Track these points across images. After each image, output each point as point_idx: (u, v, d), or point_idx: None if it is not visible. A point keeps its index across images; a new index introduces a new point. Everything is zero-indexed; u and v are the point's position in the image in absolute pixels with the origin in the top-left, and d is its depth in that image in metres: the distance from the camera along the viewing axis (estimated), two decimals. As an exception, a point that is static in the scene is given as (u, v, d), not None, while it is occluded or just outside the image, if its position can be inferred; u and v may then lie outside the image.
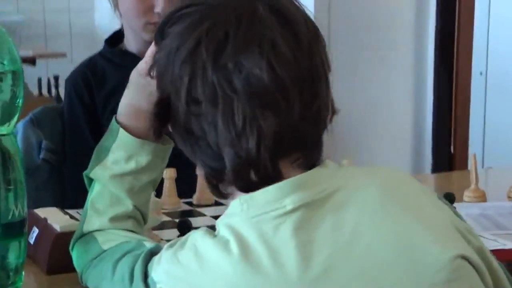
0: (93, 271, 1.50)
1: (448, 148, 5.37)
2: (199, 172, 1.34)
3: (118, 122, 1.52)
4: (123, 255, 1.43)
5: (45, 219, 1.76)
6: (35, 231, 1.73)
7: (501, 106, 4.42)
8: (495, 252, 1.72)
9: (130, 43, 2.52)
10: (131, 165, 1.49)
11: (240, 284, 1.17)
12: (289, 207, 1.21)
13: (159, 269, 1.28)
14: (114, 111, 2.41)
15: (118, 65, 2.52)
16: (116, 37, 2.61)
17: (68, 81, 2.59)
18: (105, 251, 1.48)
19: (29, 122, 2.54)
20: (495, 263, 1.32)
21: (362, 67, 5.12)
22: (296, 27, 1.25)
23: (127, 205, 1.51)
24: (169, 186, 2.12)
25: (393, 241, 1.22)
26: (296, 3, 1.30)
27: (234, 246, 1.18)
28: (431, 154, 5.39)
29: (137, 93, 1.51)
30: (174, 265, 1.25)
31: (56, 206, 2.46)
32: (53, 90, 4.78)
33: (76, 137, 2.53)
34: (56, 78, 4.83)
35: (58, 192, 2.55)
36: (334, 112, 1.30)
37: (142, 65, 1.48)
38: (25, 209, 1.55)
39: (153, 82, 1.38)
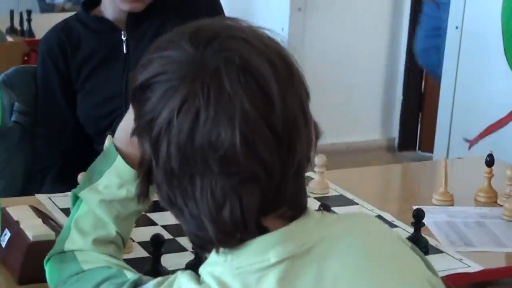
0: None
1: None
2: None
3: (116, 148, 1.51)
4: (104, 281, 1.44)
5: (17, 223, 1.74)
6: (7, 234, 1.72)
7: (475, 61, 4.32)
8: (459, 275, 1.78)
9: (107, 10, 2.50)
10: (122, 192, 1.50)
11: None
12: (273, 260, 1.22)
13: None
14: (87, 77, 2.43)
15: (94, 31, 2.50)
16: (93, 1, 2.56)
17: (42, 44, 2.56)
18: (84, 271, 1.49)
19: (1, 83, 2.52)
20: None
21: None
22: (266, 87, 1.20)
23: (111, 231, 1.51)
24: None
25: None
26: (263, 45, 1.25)
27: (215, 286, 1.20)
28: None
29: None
30: None
31: (27, 170, 2.50)
32: (25, 24, 4.67)
33: (49, 102, 2.52)
34: (29, 12, 4.72)
35: (29, 154, 2.54)
36: (318, 136, 1.30)
37: None
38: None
39: None
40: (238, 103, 1.17)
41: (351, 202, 2.24)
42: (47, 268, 1.56)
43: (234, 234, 1.22)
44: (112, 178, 1.50)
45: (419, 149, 5.59)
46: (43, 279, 1.60)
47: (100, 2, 2.54)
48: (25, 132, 2.55)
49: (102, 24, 2.50)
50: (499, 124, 3.94)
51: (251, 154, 1.18)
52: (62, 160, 2.51)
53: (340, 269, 1.25)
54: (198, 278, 1.27)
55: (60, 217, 2.02)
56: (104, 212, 1.51)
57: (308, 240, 1.24)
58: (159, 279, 1.34)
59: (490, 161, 2.24)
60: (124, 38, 2.47)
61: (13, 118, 2.52)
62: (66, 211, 1.98)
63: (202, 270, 1.27)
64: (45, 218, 1.82)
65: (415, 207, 2.04)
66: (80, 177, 1.96)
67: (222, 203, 1.19)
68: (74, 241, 1.52)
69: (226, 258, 1.24)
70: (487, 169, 2.26)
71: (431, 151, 5.11)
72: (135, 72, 1.28)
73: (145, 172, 1.28)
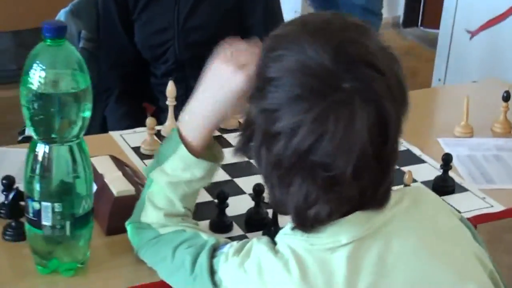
0: (149, 251, 1.50)
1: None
2: None
3: (179, 134, 1.47)
4: (181, 243, 1.43)
5: (102, 177, 1.74)
6: (94, 186, 1.71)
7: None
8: (484, 216, 1.78)
9: None
10: (187, 175, 1.46)
11: None
12: (344, 241, 1.22)
13: (226, 271, 1.31)
14: (143, 9, 2.39)
15: None
16: None
17: None
18: (161, 235, 1.48)
19: (69, 13, 2.52)
20: (500, 280, 1.37)
21: None
22: (388, 126, 1.19)
23: (179, 208, 1.50)
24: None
25: (422, 282, 1.26)
26: (389, 70, 1.21)
27: (293, 267, 1.21)
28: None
29: (212, 106, 1.45)
30: (240, 272, 1.27)
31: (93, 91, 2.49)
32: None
33: (110, 30, 2.51)
34: None
35: (95, 77, 2.52)
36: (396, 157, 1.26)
37: (238, 84, 1.40)
38: (92, 201, 1.54)
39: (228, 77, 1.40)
40: (361, 139, 1.14)
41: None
42: (128, 231, 1.56)
43: (312, 225, 1.22)
44: (177, 162, 1.46)
45: (421, 25, 5.45)
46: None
47: None
48: (92, 56, 2.53)
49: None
50: (499, 18, 3.87)
51: (356, 181, 1.17)
52: (123, 82, 2.49)
53: (402, 247, 1.26)
54: (273, 246, 1.27)
55: (131, 156, 2.04)
56: (172, 192, 1.48)
57: (375, 222, 1.24)
58: (236, 245, 1.33)
59: (506, 97, 2.22)
60: (175, -26, 2.39)
61: (80, 45, 2.52)
62: (136, 150, 1.98)
63: (279, 239, 1.28)
64: (124, 169, 1.81)
65: (439, 139, 2.08)
66: (149, 121, 1.96)
67: (311, 206, 1.20)
68: (148, 215, 1.51)
69: (302, 233, 1.24)
70: (503, 103, 2.24)
71: (434, 27, 5.05)
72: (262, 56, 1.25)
73: (247, 137, 1.27)
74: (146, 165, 1.91)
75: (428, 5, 5.38)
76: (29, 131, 3.35)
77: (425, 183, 1.93)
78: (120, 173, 1.75)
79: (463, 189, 1.95)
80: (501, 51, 3.87)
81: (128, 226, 1.56)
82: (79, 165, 1.50)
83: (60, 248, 1.54)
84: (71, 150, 1.48)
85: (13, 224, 1.65)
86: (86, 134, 2.36)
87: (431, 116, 2.46)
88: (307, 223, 1.23)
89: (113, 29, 2.48)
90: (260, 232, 1.71)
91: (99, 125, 2.55)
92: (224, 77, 1.40)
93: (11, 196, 1.63)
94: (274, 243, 1.28)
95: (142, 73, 2.55)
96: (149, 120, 1.95)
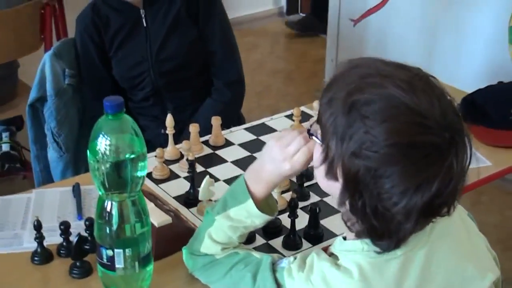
0: (206, 272, 1.49)
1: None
2: None
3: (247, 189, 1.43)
4: (237, 262, 1.42)
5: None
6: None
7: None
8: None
9: None
10: (248, 221, 1.44)
11: None
12: (398, 253, 1.23)
13: (293, 285, 1.29)
14: (118, 47, 2.33)
15: (118, 10, 2.39)
16: None
17: (79, 23, 2.43)
18: (216, 259, 1.46)
19: (52, 55, 2.43)
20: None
21: None
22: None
23: (235, 242, 1.47)
24: (194, 137, 2.06)
25: (456, 281, 1.29)
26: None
27: (355, 273, 1.21)
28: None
29: (273, 167, 1.41)
30: (308, 286, 1.26)
31: (79, 119, 2.43)
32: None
33: (90, 66, 2.44)
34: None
35: (80, 105, 2.47)
36: None
37: (286, 172, 1.40)
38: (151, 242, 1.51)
39: (278, 163, 1.37)
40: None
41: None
42: (184, 255, 1.54)
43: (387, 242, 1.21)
44: (242, 212, 1.43)
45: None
46: (171, 253, 1.62)
47: None
48: (76, 90, 2.47)
49: (124, 5, 2.36)
50: (377, 8, 3.92)
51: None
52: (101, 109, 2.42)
53: (442, 252, 1.27)
54: (334, 261, 1.26)
55: (146, 181, 1.92)
56: (232, 233, 1.45)
57: (420, 240, 1.25)
58: (296, 261, 1.32)
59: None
60: (143, 15, 2.35)
61: (66, 81, 2.43)
62: (149, 175, 1.93)
63: (341, 255, 1.26)
64: (154, 200, 1.78)
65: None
66: (158, 151, 1.91)
67: (411, 232, 1.20)
68: (207, 247, 1.48)
69: (363, 248, 1.23)
70: None
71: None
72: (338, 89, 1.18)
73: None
74: (161, 189, 1.92)
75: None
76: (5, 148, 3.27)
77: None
78: (153, 205, 1.71)
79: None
80: (385, 33, 3.91)
81: (184, 251, 1.54)
82: (141, 213, 1.47)
83: (129, 281, 1.51)
84: (134, 203, 1.45)
85: (78, 264, 1.60)
86: (81, 159, 2.35)
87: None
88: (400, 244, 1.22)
89: (92, 65, 2.41)
90: (280, 238, 1.71)
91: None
92: (277, 163, 1.39)
93: (75, 240, 1.58)
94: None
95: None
96: (158, 150, 1.91)
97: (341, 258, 1.27)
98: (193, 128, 2.07)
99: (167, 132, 2.04)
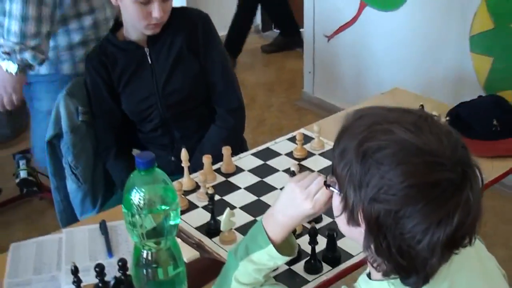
0: None
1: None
2: None
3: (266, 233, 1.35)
4: None
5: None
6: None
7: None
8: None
9: (131, 34, 2.25)
10: (270, 263, 1.36)
11: None
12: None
13: None
14: (126, 84, 2.24)
15: (124, 50, 2.27)
16: (116, 25, 2.32)
17: (88, 63, 2.31)
18: None
19: (66, 95, 2.31)
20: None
21: None
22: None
23: (261, 280, 1.39)
24: (208, 167, 1.96)
25: None
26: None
27: None
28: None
29: (292, 210, 1.32)
30: None
31: (94, 152, 2.32)
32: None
33: (100, 103, 2.31)
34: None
35: (94, 139, 2.36)
36: None
37: (307, 210, 1.31)
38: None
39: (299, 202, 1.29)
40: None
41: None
42: None
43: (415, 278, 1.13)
44: (264, 255, 1.34)
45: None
46: (201, 286, 1.53)
47: (120, 27, 2.28)
48: (88, 126, 2.35)
49: (130, 45, 2.26)
50: (348, 24, 3.85)
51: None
52: (116, 142, 2.34)
53: (463, 282, 1.21)
54: None
55: None
56: (257, 274, 1.37)
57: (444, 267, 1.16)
58: None
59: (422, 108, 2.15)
60: (147, 53, 2.25)
61: (80, 118, 2.32)
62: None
63: None
64: (179, 235, 1.69)
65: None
66: (176, 184, 1.82)
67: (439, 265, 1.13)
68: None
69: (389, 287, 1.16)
70: None
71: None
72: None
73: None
74: (182, 220, 1.80)
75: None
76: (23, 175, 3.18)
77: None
78: (180, 240, 1.60)
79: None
80: (355, 52, 3.85)
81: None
82: (176, 256, 1.41)
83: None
84: (169, 249, 1.35)
85: (115, 304, 1.50)
86: (98, 189, 2.24)
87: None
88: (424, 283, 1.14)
89: (103, 101, 2.30)
90: (301, 263, 1.64)
91: (103, 178, 2.40)
92: (297, 202, 1.30)
93: (112, 283, 1.52)
94: None
95: (131, 130, 2.36)
96: (177, 184, 1.82)
97: None
98: (206, 159, 1.99)
99: (182, 164, 1.97)
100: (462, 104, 2.21)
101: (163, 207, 1.32)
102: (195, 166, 2.06)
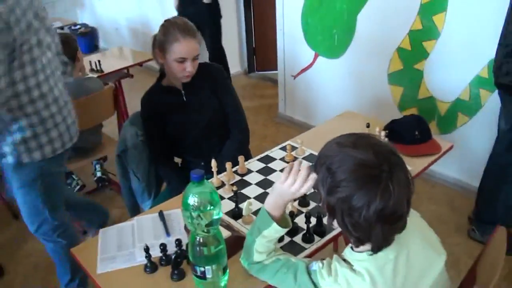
0: (258, 273, 1.30)
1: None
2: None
3: (269, 214, 1.25)
4: (281, 267, 1.25)
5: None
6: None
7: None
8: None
9: (171, 81, 2.12)
10: (276, 235, 1.26)
11: None
12: (391, 257, 1.11)
13: (326, 285, 1.14)
14: (169, 115, 2.09)
15: (168, 92, 2.14)
16: (161, 76, 2.17)
17: (142, 102, 2.17)
18: (265, 264, 1.28)
19: (129, 123, 2.20)
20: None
21: None
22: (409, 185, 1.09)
23: (272, 248, 1.29)
24: (229, 170, 1.86)
25: (426, 265, 1.17)
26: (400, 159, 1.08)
27: (366, 277, 1.09)
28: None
29: (278, 197, 1.25)
30: (336, 285, 1.12)
31: (149, 162, 2.19)
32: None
33: (152, 128, 2.16)
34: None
35: (148, 153, 2.23)
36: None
37: (290, 189, 1.21)
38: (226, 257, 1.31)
39: (288, 191, 1.20)
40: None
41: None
42: (243, 262, 1.34)
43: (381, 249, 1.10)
44: (271, 230, 1.25)
45: (256, 70, 5.22)
46: (233, 254, 1.43)
47: (164, 76, 2.15)
48: (144, 144, 2.21)
49: (171, 89, 2.13)
50: (307, 68, 3.75)
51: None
52: (164, 154, 2.21)
53: (415, 254, 1.15)
54: (350, 267, 1.12)
55: None
56: (269, 243, 1.27)
57: (401, 242, 1.12)
58: (324, 267, 1.16)
59: (368, 125, 2.05)
60: (183, 93, 2.11)
61: (138, 139, 2.18)
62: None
63: (354, 263, 1.12)
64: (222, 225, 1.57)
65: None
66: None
67: (387, 239, 1.10)
68: (257, 258, 1.29)
69: (369, 258, 1.10)
70: (366, 129, 2.07)
71: (262, 70, 4.86)
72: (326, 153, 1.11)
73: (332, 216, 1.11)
74: None
75: (258, 58, 5.12)
76: (99, 174, 3.05)
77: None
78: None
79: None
80: (312, 87, 3.75)
81: (242, 260, 1.35)
82: (221, 240, 1.28)
83: (216, 284, 1.33)
84: (215, 235, 1.24)
85: (176, 271, 1.40)
86: (151, 185, 2.12)
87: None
88: (381, 249, 1.09)
89: (154, 127, 2.16)
90: (299, 236, 1.53)
91: (155, 178, 2.26)
92: (284, 191, 1.23)
93: (173, 256, 1.41)
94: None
95: (173, 149, 2.24)
96: (215, 179, 1.70)
97: (354, 265, 1.12)
98: (228, 165, 1.87)
99: (212, 170, 1.83)
100: (394, 121, 2.12)
101: (210, 207, 1.20)
102: (219, 169, 1.94)
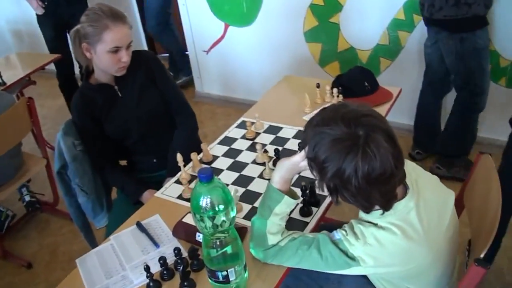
0: (276, 257, 1.22)
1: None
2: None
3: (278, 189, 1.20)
4: (300, 245, 1.18)
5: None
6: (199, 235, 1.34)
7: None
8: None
9: (101, 77, 1.88)
10: (288, 210, 1.22)
11: (404, 247, 1.08)
12: (411, 205, 1.11)
13: (356, 249, 1.10)
14: (106, 115, 1.91)
15: (99, 90, 1.90)
16: (87, 74, 1.91)
17: (73, 107, 1.91)
18: (281, 246, 1.21)
19: (62, 134, 1.92)
20: None
21: None
22: (394, 143, 1.05)
23: (284, 226, 1.23)
24: (195, 161, 1.72)
25: (442, 206, 1.19)
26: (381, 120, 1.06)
27: (396, 230, 1.08)
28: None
29: (287, 172, 1.19)
30: (367, 246, 1.10)
31: (91, 169, 1.96)
32: None
33: (89, 134, 1.92)
34: None
35: (89, 162, 1.98)
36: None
37: (297, 159, 1.17)
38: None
39: (300, 165, 1.17)
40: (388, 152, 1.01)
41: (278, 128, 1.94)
42: (254, 252, 1.26)
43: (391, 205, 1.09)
44: (283, 206, 1.20)
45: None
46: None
47: (91, 74, 1.90)
48: (84, 153, 1.96)
49: (102, 87, 1.89)
50: (218, 41, 3.62)
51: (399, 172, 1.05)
52: (108, 159, 1.98)
53: (431, 199, 1.15)
54: (375, 225, 1.10)
55: (181, 202, 1.58)
56: (282, 221, 1.22)
57: (416, 192, 1.13)
58: (348, 233, 1.12)
59: (318, 85, 2.01)
60: (116, 88, 1.90)
61: (77, 149, 1.93)
62: (180, 197, 1.58)
63: (379, 220, 1.10)
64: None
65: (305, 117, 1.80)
66: (183, 175, 1.56)
67: (389, 197, 1.08)
68: (272, 240, 1.22)
69: (390, 212, 1.09)
70: (317, 89, 2.03)
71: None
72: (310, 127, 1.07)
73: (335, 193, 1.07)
74: None
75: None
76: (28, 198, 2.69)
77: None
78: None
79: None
80: (227, 59, 3.63)
81: (253, 250, 1.26)
82: (238, 241, 1.16)
83: (239, 284, 1.21)
84: (234, 235, 1.11)
85: (186, 283, 1.26)
86: (100, 197, 1.94)
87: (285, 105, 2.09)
88: (389, 207, 1.08)
89: (90, 132, 1.92)
90: (296, 212, 1.46)
91: (103, 187, 2.04)
92: (294, 163, 1.19)
93: (181, 268, 1.25)
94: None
95: (116, 150, 2.01)
96: (183, 180, 1.55)
97: (379, 222, 1.09)
98: (194, 155, 1.72)
99: (179, 164, 1.66)
100: (339, 77, 2.10)
101: (226, 205, 1.07)
102: (174, 161, 1.74)
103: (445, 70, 2.39)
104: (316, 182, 1.09)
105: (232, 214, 1.08)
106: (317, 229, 1.38)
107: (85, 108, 1.89)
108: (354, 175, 0.99)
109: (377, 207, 1.09)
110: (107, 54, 1.73)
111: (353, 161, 0.99)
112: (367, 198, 1.04)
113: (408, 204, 1.10)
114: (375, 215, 1.11)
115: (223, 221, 1.08)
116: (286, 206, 1.19)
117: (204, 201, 1.05)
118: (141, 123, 1.95)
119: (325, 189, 1.07)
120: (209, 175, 1.03)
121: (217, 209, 1.05)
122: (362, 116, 1.02)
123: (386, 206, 1.07)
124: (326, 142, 1.01)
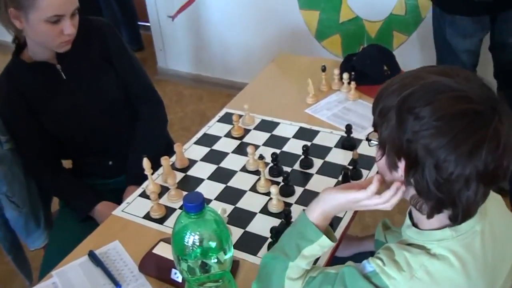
0: None
1: None
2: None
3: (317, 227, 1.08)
4: (321, 285, 1.06)
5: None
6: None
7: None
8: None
9: (38, 54, 1.70)
10: (319, 253, 1.09)
11: (462, 286, 0.97)
12: (477, 229, 1.01)
13: (399, 284, 0.97)
14: (44, 103, 1.76)
15: (36, 71, 1.72)
16: (17, 48, 1.74)
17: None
18: None
19: None
20: None
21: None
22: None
23: (307, 269, 1.10)
24: (167, 167, 1.58)
25: (509, 235, 1.10)
26: None
27: (454, 260, 0.97)
28: None
29: (335, 209, 1.08)
30: (414, 282, 0.96)
31: (25, 177, 1.81)
32: None
33: (22, 127, 1.76)
34: None
35: (21, 165, 1.81)
36: None
37: (359, 196, 1.04)
38: None
39: (344, 201, 1.05)
40: None
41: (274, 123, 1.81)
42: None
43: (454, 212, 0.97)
44: (315, 247, 1.07)
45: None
46: None
47: (22, 49, 1.72)
48: (14, 152, 1.79)
49: (40, 66, 1.71)
50: (188, 3, 3.46)
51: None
52: (48, 161, 1.83)
53: (494, 213, 1.07)
54: (427, 252, 0.99)
55: (148, 224, 1.45)
56: (308, 266, 1.09)
57: (484, 216, 1.03)
58: (387, 263, 0.99)
59: (324, 69, 1.90)
60: (59, 68, 1.73)
61: (4, 147, 1.76)
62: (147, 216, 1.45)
63: (433, 245, 0.99)
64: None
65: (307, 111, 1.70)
66: (151, 190, 1.43)
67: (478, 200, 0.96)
68: (291, 286, 1.08)
69: (452, 234, 0.99)
70: (323, 73, 1.92)
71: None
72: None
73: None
74: (166, 226, 1.43)
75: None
76: None
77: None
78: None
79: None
80: (199, 28, 3.49)
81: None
82: (232, 281, 1.03)
83: None
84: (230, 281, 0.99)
85: None
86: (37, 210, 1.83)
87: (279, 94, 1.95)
88: (465, 217, 0.97)
89: (24, 126, 1.75)
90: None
91: (39, 196, 1.89)
92: (345, 203, 1.08)
93: None
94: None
95: (57, 145, 1.84)
96: (152, 194, 1.41)
97: (433, 248, 0.99)
98: (165, 161, 1.59)
99: (145, 172, 1.53)
100: (350, 57, 1.99)
101: (214, 243, 0.94)
102: (136, 165, 1.59)
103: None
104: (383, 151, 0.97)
105: (229, 254, 0.95)
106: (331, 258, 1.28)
107: (14, 94, 1.72)
108: (466, 156, 0.89)
109: (442, 215, 0.98)
110: (44, 24, 1.56)
111: (475, 136, 0.88)
112: (453, 193, 0.92)
113: (474, 226, 1.00)
114: (432, 236, 0.99)
115: (223, 262, 0.95)
116: (319, 248, 1.07)
117: (191, 239, 0.91)
118: (92, 114, 1.78)
119: (382, 156, 0.97)
120: (199, 204, 0.89)
121: (208, 249, 0.92)
122: (488, 88, 0.94)
123: (465, 216, 0.96)
124: (444, 97, 0.90)
